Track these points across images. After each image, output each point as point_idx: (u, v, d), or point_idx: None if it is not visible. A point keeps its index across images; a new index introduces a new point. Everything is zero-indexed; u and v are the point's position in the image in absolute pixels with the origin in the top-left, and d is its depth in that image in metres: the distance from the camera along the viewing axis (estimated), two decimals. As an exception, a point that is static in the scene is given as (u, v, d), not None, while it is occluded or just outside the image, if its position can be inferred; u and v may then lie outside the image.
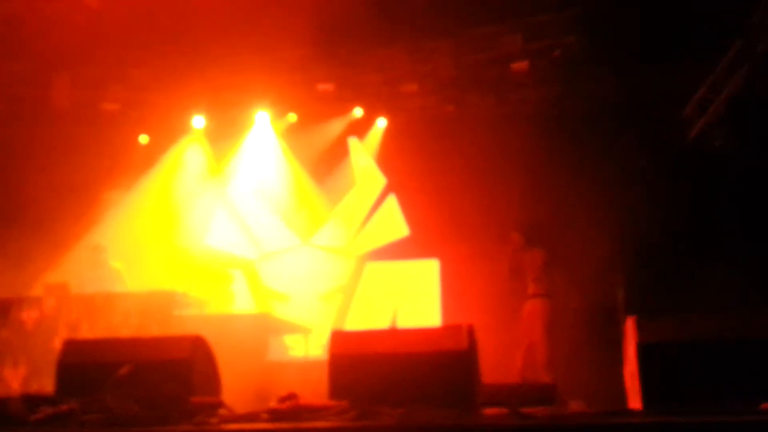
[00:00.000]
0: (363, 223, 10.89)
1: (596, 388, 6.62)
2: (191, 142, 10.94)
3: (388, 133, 10.77)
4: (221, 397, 4.53)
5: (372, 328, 7.48)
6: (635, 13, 7.89)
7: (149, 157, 10.85)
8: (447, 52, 9.32)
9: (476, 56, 9.34)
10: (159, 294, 8.00)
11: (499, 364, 7.67)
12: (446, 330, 4.83)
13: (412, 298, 10.28)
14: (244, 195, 11.09)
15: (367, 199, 10.93)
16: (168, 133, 10.81)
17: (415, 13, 8.39)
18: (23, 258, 8.97)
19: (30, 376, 7.61)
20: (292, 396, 4.07)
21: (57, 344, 6.61)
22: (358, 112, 10.55)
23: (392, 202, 10.84)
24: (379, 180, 10.92)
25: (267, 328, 8.46)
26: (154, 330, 7.41)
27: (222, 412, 4.03)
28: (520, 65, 9.20)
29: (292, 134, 10.90)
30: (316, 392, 4.56)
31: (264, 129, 10.85)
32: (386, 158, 10.82)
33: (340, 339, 4.73)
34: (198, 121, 10.64)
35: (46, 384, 6.21)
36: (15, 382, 7.61)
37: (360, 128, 10.85)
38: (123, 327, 7.55)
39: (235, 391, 4.98)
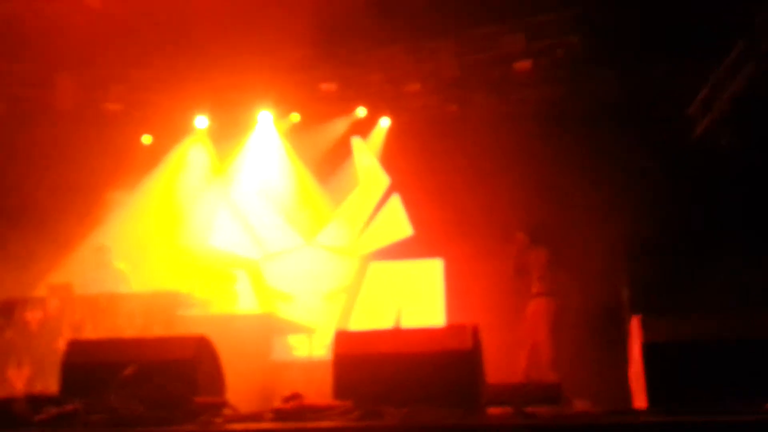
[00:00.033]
0: (366, 222, 10.89)
1: (601, 387, 6.62)
2: (194, 142, 10.94)
3: (392, 133, 10.77)
4: (225, 397, 4.53)
5: (376, 328, 7.47)
6: (638, 12, 7.88)
7: (152, 158, 10.85)
8: (449, 51, 9.32)
9: (479, 56, 9.33)
10: (163, 294, 8.00)
11: (504, 363, 7.65)
12: (450, 330, 4.83)
13: (416, 298, 10.27)
14: (248, 195, 11.08)
15: (371, 198, 10.93)
16: (171, 134, 10.82)
17: (416, 12, 8.39)
18: (27, 258, 8.98)
19: (34, 376, 7.62)
20: (296, 396, 4.07)
21: (61, 345, 6.61)
22: (361, 111, 10.54)
23: (396, 202, 10.83)
24: (383, 180, 10.92)
25: (271, 328, 8.45)
26: (158, 330, 7.41)
27: (226, 412, 4.03)
28: (523, 65, 9.20)
29: (296, 134, 10.89)
30: (320, 392, 4.56)
31: (267, 129, 10.84)
32: (389, 158, 10.82)
33: (344, 339, 4.73)
34: (201, 121, 10.63)
35: (51, 384, 6.21)
36: (19, 382, 7.62)
37: (363, 128, 10.84)
38: (127, 327, 7.55)
39: (239, 391, 4.98)
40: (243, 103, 10.33)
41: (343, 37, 8.97)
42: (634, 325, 4.53)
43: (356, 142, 10.96)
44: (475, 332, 4.50)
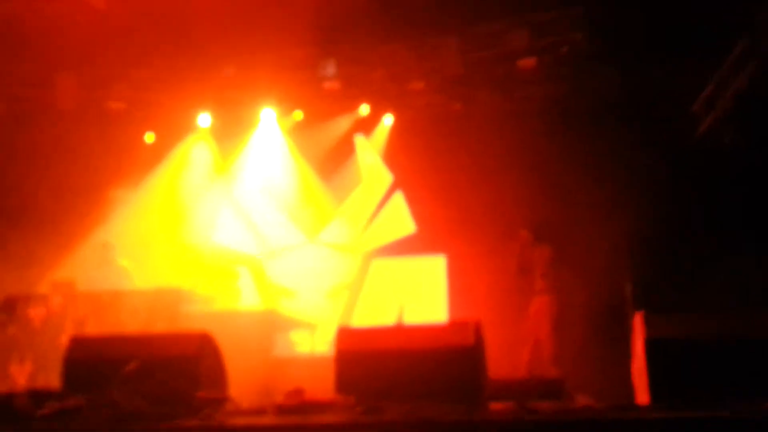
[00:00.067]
0: (369, 220, 10.88)
1: (603, 383, 6.61)
2: (197, 140, 10.94)
3: (395, 130, 10.76)
4: (228, 392, 4.53)
5: (378, 325, 7.47)
6: (642, 10, 7.87)
7: (155, 156, 10.86)
8: (453, 49, 9.30)
9: (483, 53, 9.30)
10: (166, 291, 8.03)
11: (506, 360, 7.65)
12: (453, 326, 4.83)
13: (419, 295, 10.26)
14: (251, 192, 11.08)
15: (374, 196, 10.92)
16: (174, 132, 10.82)
17: (420, 9, 8.38)
18: (30, 256, 8.99)
19: (36, 372, 7.65)
20: (298, 391, 4.08)
21: (64, 341, 6.62)
22: (364, 109, 10.54)
23: (399, 199, 10.82)
24: (386, 177, 10.91)
25: (273, 324, 8.48)
26: (161, 327, 7.43)
27: (228, 407, 4.04)
28: (527, 62, 9.17)
29: (299, 132, 10.89)
30: (322, 388, 4.56)
31: (270, 127, 10.84)
32: (393, 155, 10.81)
33: (346, 335, 4.73)
34: (204, 119, 10.63)
35: (53, 380, 6.23)
36: (21, 378, 7.64)
37: (366, 125, 10.84)
38: (130, 324, 7.57)
39: (241, 387, 4.99)
40: (246, 100, 10.33)
41: (346, 34, 8.96)
42: (637, 322, 4.53)
43: (359, 139, 10.96)
44: (478, 328, 4.50)
